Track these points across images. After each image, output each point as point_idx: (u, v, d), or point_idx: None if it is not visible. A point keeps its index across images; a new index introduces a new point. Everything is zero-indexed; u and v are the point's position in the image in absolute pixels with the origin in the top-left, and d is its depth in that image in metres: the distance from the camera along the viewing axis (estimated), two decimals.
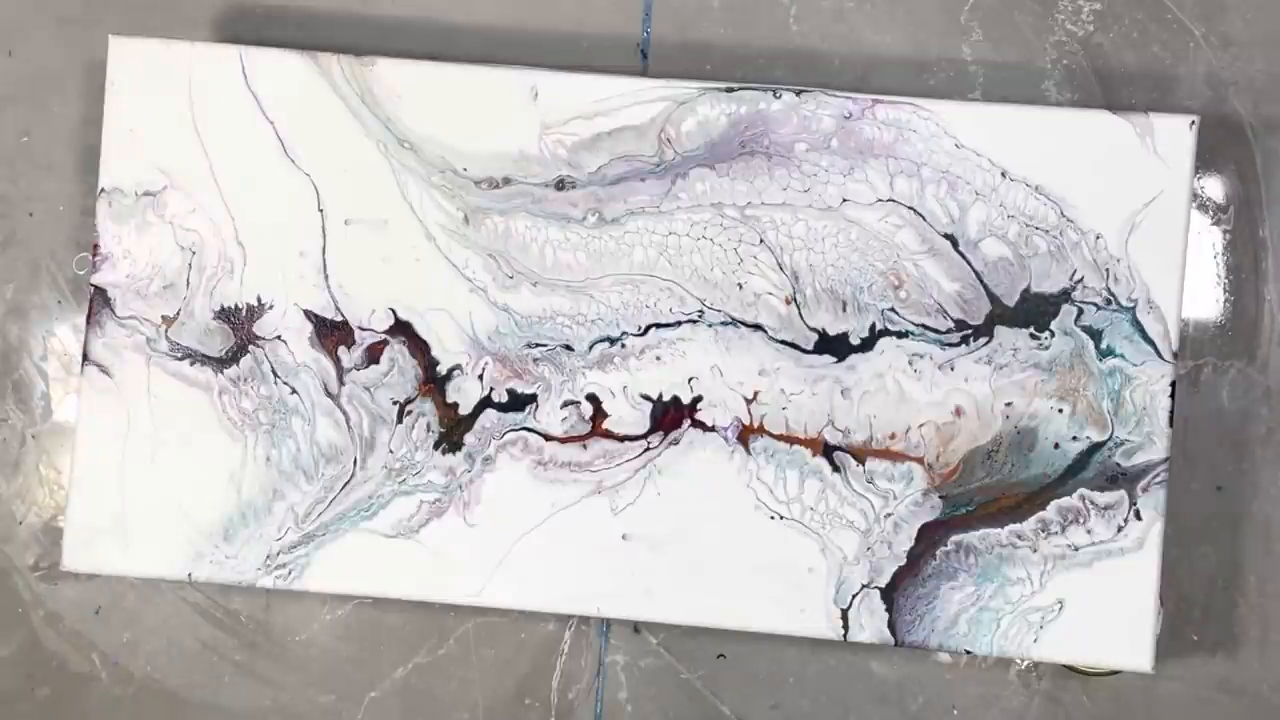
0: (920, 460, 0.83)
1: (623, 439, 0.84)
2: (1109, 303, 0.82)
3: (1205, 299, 0.91)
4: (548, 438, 0.84)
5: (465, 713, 0.92)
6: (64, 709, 0.94)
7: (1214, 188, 0.91)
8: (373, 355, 0.84)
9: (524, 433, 0.84)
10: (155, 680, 0.93)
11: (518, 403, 0.84)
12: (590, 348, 0.84)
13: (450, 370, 0.84)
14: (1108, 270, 0.82)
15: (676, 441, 0.84)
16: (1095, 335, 0.83)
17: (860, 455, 0.83)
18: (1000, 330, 0.83)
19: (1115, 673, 0.90)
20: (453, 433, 0.84)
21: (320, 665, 0.93)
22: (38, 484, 0.94)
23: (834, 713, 0.91)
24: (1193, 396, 0.90)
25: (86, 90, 0.91)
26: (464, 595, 0.84)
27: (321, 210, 0.84)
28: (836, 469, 0.83)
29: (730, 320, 0.84)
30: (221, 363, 0.84)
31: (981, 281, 0.83)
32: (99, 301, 0.84)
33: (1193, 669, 0.91)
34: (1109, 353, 0.82)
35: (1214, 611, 0.90)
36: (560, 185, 0.84)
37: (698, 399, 0.84)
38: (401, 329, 0.84)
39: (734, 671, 0.92)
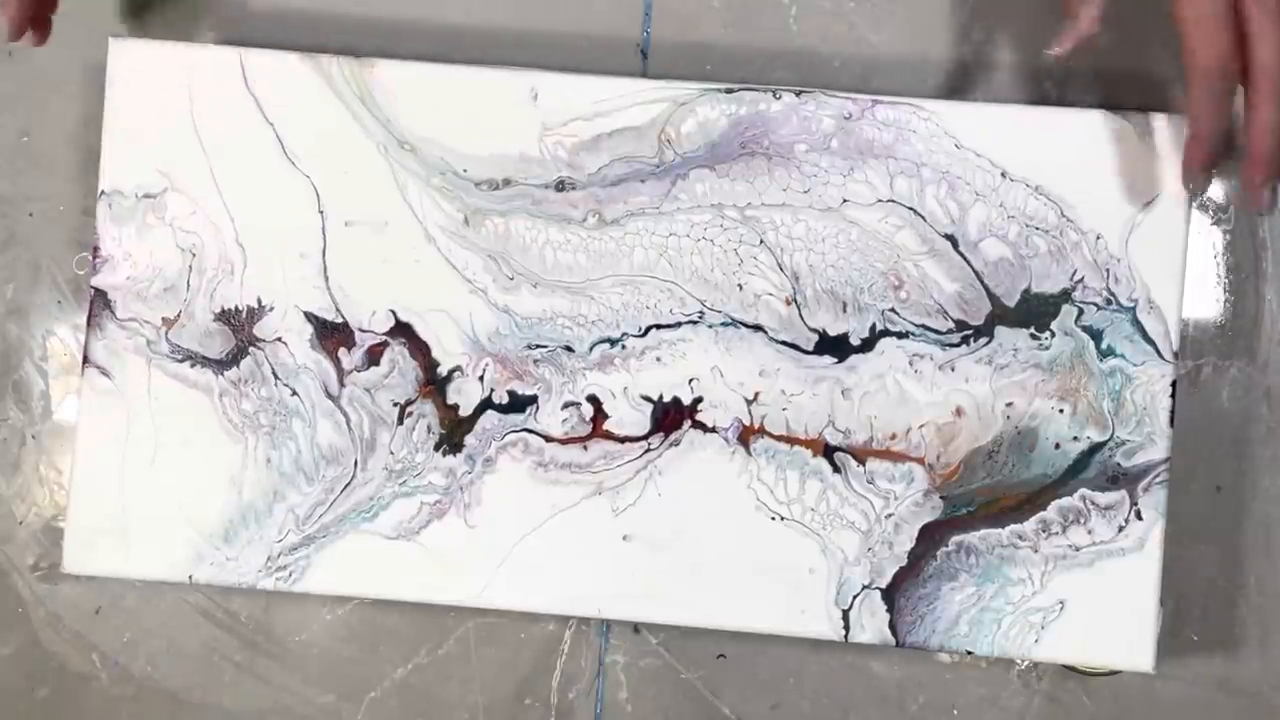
0: (921, 461, 0.83)
1: (623, 440, 0.84)
2: (1109, 303, 0.83)
3: (1205, 299, 0.91)
4: (548, 439, 0.84)
5: (465, 713, 0.92)
6: (64, 709, 0.93)
7: (1214, 188, 0.91)
8: (373, 357, 0.84)
9: (524, 434, 0.84)
10: (155, 680, 0.93)
11: (518, 404, 0.84)
12: (590, 349, 0.84)
13: (451, 372, 0.84)
14: (1108, 270, 0.83)
15: (677, 443, 0.84)
16: (1096, 335, 0.83)
17: (861, 456, 0.83)
18: (1001, 330, 0.83)
19: (1115, 673, 0.90)
20: (453, 434, 0.84)
21: (320, 665, 0.93)
22: (38, 484, 0.93)
23: (834, 713, 0.91)
24: (1193, 396, 0.90)
25: (86, 90, 0.91)
26: (465, 597, 0.84)
27: (322, 212, 0.84)
28: (837, 470, 0.83)
29: (730, 321, 0.84)
30: (222, 365, 0.84)
31: (982, 282, 0.83)
32: (99, 304, 0.84)
33: (1193, 669, 0.91)
34: (1109, 353, 0.83)
35: (1214, 611, 0.90)
36: (560, 186, 0.84)
37: (698, 400, 0.84)
38: (402, 330, 0.84)
39: (734, 671, 0.92)
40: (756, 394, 0.84)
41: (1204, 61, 0.74)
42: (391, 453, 0.84)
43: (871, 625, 0.83)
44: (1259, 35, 0.74)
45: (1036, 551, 0.82)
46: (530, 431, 0.84)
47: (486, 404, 0.84)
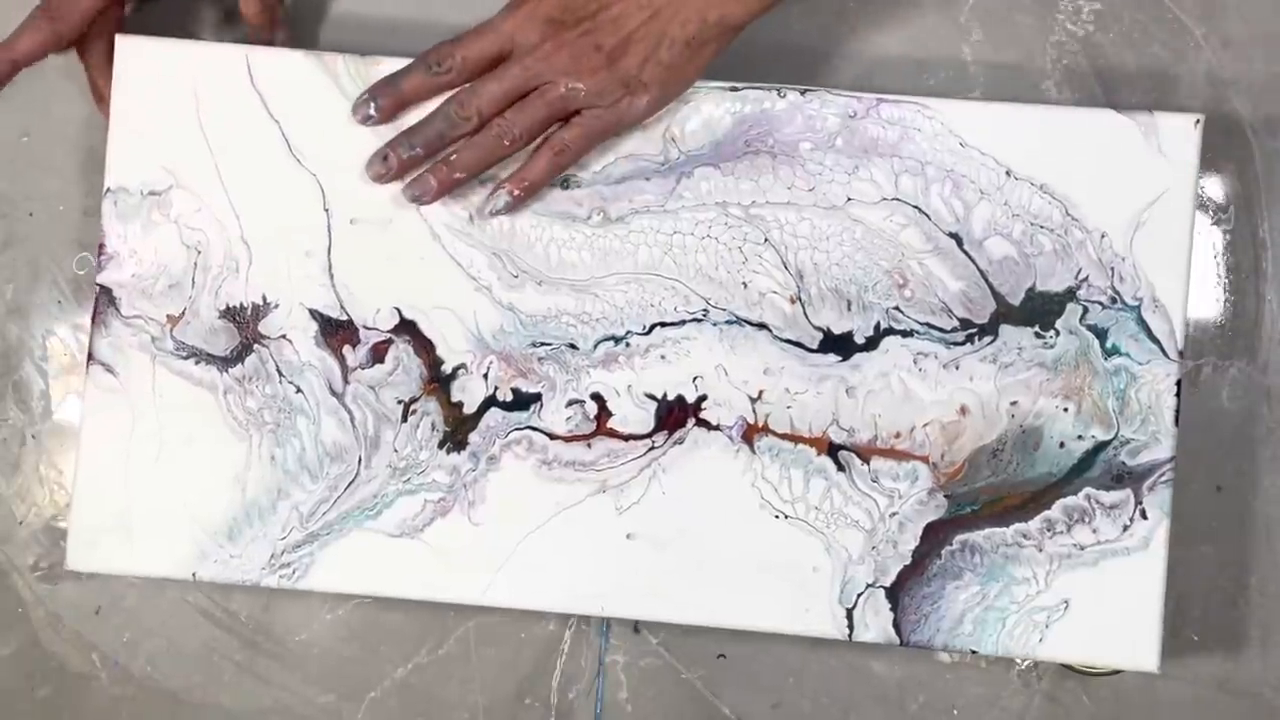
0: (925, 459, 0.83)
1: (627, 438, 0.84)
2: (1114, 301, 0.83)
3: (1206, 299, 0.91)
4: (552, 437, 0.84)
5: (465, 713, 0.92)
6: (64, 709, 0.93)
7: (1214, 188, 0.91)
8: (377, 354, 0.84)
9: (528, 432, 0.84)
10: (155, 680, 0.93)
11: (522, 402, 0.84)
12: (595, 346, 0.84)
13: (455, 369, 0.84)
14: (1113, 269, 0.83)
15: (681, 441, 0.84)
16: (1100, 334, 0.83)
17: (865, 454, 0.83)
18: (1005, 329, 0.83)
19: (1116, 672, 0.90)
20: (457, 432, 0.84)
21: (320, 665, 0.93)
22: (38, 484, 0.93)
23: (834, 713, 0.91)
24: (1193, 396, 0.90)
25: (87, 90, 0.90)
26: (468, 595, 0.83)
27: (327, 209, 0.84)
28: (841, 468, 0.83)
29: (735, 319, 0.84)
30: (227, 362, 0.84)
31: (986, 280, 0.83)
32: (104, 301, 0.84)
33: (1193, 669, 0.91)
34: (1114, 351, 0.83)
35: (1214, 611, 0.91)
36: (565, 184, 0.84)
37: (702, 398, 0.84)
38: (406, 328, 0.84)
39: (734, 671, 0.92)
40: (761, 392, 0.84)
41: None
42: (395, 450, 0.84)
43: (875, 624, 0.83)
44: None
45: (1041, 550, 0.82)
46: (534, 429, 0.84)
47: (491, 402, 0.84)
